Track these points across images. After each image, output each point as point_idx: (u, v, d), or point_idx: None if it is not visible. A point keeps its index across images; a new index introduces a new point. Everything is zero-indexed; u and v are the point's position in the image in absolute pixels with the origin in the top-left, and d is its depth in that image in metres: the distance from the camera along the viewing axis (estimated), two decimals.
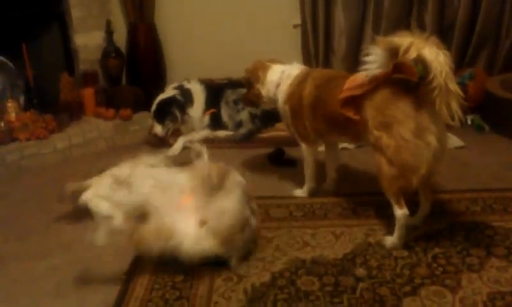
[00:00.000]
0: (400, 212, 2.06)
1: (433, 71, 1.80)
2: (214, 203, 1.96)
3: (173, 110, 3.35)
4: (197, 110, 3.43)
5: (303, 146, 2.56)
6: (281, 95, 2.53)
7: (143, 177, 2.03)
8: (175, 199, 1.98)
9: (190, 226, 1.91)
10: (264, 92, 2.59)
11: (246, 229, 2.02)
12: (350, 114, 2.14)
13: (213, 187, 1.97)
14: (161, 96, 3.40)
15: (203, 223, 1.91)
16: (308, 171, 2.59)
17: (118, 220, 1.93)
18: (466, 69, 3.66)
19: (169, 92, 3.43)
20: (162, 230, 1.89)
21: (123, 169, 2.06)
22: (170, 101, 3.37)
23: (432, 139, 1.93)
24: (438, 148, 1.95)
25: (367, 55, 1.99)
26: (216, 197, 1.97)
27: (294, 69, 2.54)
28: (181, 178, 2.05)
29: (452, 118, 1.87)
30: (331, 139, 2.53)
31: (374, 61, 1.98)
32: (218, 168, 2.03)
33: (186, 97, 3.42)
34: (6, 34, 3.37)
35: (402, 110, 1.96)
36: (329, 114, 2.30)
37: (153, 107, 3.38)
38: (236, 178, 2.06)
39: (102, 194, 2.03)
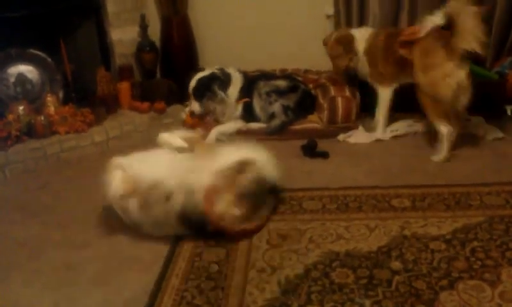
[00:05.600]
0: (444, 129, 2.75)
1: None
2: None
3: (213, 88, 3.34)
4: (232, 94, 3.44)
5: (381, 88, 3.13)
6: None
7: None
8: None
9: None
10: None
11: None
12: (403, 51, 2.83)
13: None
14: (201, 74, 3.41)
15: None
16: (383, 111, 3.15)
17: None
18: (506, 58, 3.53)
19: (204, 71, 3.43)
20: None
21: None
22: (211, 77, 3.36)
23: (452, 82, 2.63)
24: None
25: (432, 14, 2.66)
26: None
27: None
28: None
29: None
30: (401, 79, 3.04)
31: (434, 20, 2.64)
32: None
33: (225, 77, 3.43)
34: (44, 30, 3.47)
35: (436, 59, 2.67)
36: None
37: (193, 83, 3.37)
38: None
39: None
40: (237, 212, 2.12)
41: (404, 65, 2.92)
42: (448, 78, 2.64)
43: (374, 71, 3.13)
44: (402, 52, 2.85)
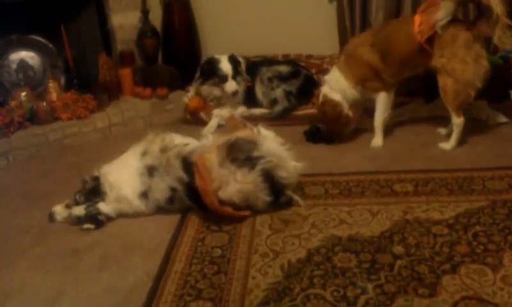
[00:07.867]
0: (458, 120, 2.74)
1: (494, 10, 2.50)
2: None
3: (240, 67, 3.42)
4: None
5: (382, 94, 2.91)
6: None
7: None
8: None
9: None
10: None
11: None
12: (427, 47, 2.70)
13: None
14: (225, 56, 3.42)
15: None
16: (381, 116, 2.93)
17: None
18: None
19: (222, 56, 3.45)
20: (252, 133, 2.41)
21: None
22: (237, 58, 3.43)
23: (485, 62, 2.65)
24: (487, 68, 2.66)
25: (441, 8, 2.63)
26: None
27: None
28: None
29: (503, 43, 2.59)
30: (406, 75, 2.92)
31: (446, 13, 2.63)
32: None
33: None
34: (45, 16, 3.46)
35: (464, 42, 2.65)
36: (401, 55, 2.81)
37: (228, 65, 3.37)
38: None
39: None
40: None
41: (407, 57, 2.78)
42: (480, 59, 2.64)
43: (372, 85, 2.89)
44: (426, 46, 2.70)
